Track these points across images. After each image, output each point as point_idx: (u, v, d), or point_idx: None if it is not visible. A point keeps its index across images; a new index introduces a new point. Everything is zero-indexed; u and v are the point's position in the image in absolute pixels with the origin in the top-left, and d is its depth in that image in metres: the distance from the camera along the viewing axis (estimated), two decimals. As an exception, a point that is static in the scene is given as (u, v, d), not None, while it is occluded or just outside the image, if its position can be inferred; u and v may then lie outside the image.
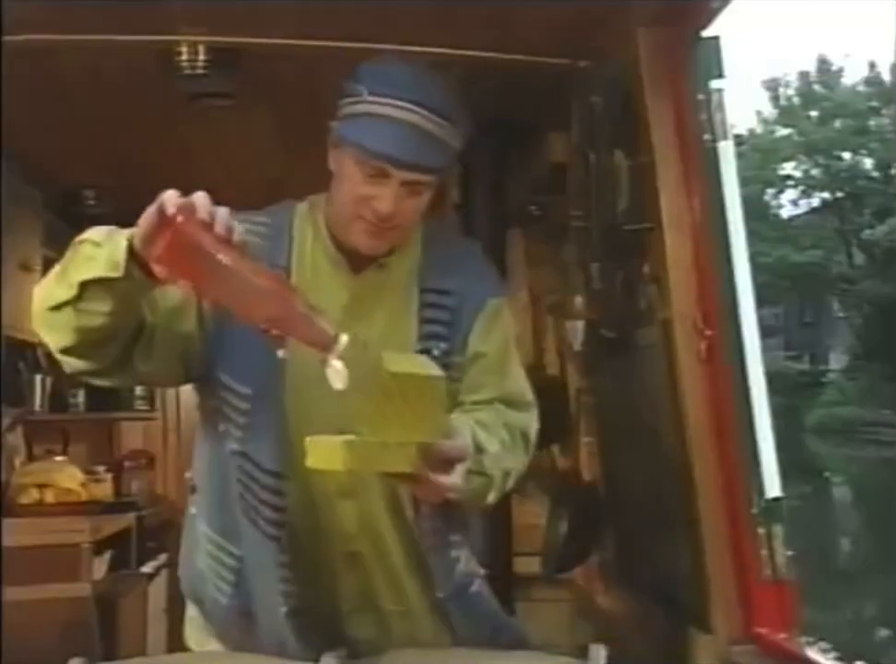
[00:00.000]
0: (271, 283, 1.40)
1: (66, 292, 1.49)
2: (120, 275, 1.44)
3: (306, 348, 1.56)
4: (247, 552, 1.77)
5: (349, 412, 1.54)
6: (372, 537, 1.76)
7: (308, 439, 1.49)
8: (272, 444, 1.71)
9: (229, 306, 1.43)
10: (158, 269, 1.40)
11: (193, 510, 1.89)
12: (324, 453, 1.46)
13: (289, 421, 1.70)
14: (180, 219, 1.35)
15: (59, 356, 1.59)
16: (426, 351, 1.71)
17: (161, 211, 1.37)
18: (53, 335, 1.56)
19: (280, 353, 1.66)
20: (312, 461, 1.48)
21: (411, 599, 1.81)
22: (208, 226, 1.36)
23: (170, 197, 1.37)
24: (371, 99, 1.65)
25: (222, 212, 1.38)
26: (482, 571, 1.91)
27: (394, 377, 1.42)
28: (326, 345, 1.40)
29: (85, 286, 1.47)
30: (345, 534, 1.75)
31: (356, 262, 1.76)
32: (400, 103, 1.63)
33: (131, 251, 1.43)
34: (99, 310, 1.49)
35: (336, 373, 1.40)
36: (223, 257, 1.36)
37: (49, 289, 1.54)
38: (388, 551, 1.77)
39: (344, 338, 1.39)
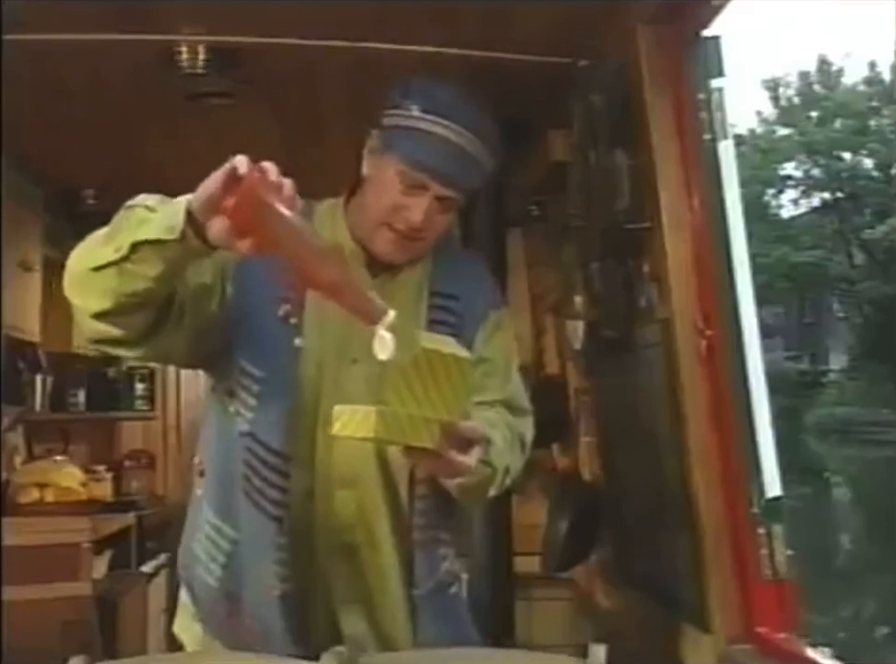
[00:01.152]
0: (331, 249, 1.43)
1: (114, 253, 1.50)
2: (176, 237, 1.45)
3: (321, 334, 1.69)
4: (244, 535, 1.79)
5: (360, 396, 1.62)
6: (368, 529, 1.79)
7: (336, 407, 1.52)
8: (280, 426, 1.75)
9: (292, 266, 1.44)
10: (217, 229, 1.41)
11: (199, 491, 1.91)
12: (353, 420, 1.50)
13: (299, 405, 1.74)
14: (256, 174, 1.39)
15: (88, 322, 1.59)
16: None
17: (232, 172, 1.39)
18: (89, 297, 1.56)
19: (297, 342, 1.73)
20: (339, 428, 1.51)
21: (394, 594, 1.82)
22: (277, 188, 1.39)
23: (242, 160, 1.40)
24: (420, 115, 1.73)
25: (288, 180, 1.41)
26: (465, 575, 1.94)
27: (426, 353, 1.47)
28: (376, 316, 1.44)
29: (136, 248, 1.48)
30: (342, 524, 1.78)
31: (374, 266, 1.81)
32: (448, 123, 1.73)
33: (188, 215, 1.44)
34: (145, 273, 1.50)
35: (384, 343, 1.43)
36: (292, 217, 1.39)
37: (92, 249, 1.55)
38: (381, 544, 1.80)
39: (392, 313, 1.44)
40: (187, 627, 1.92)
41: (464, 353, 1.54)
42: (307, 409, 1.74)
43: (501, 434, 1.76)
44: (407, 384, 1.48)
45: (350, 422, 1.50)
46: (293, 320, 1.74)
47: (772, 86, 33.21)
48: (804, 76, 32.55)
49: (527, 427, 1.90)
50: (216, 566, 1.82)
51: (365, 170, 1.80)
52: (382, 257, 1.79)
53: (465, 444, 1.57)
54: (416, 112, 1.73)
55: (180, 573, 1.95)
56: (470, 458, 1.58)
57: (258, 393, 1.75)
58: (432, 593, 1.85)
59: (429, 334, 1.57)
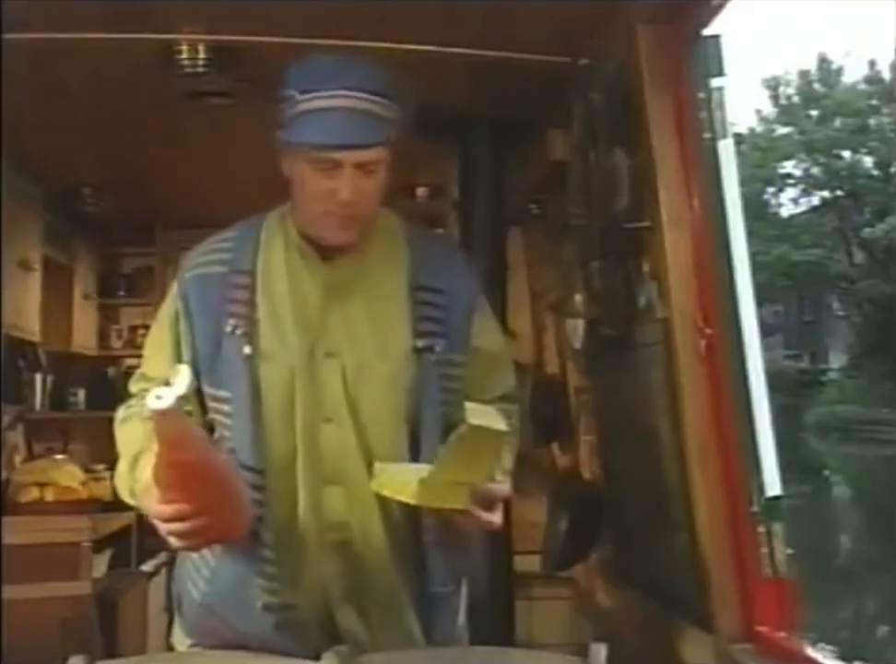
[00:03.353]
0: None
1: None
2: None
3: (285, 337, 1.76)
4: (226, 552, 1.79)
5: (336, 389, 1.74)
6: (360, 525, 1.78)
7: (377, 465, 1.68)
8: (253, 441, 1.76)
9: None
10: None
11: None
12: (394, 482, 1.66)
13: (274, 412, 1.76)
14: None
15: None
16: (428, 348, 1.79)
17: None
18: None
19: (246, 350, 1.76)
20: (379, 486, 1.68)
21: (393, 590, 1.82)
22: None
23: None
24: (302, 97, 1.71)
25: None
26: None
27: (473, 430, 1.53)
28: None
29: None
30: (332, 522, 1.77)
31: (329, 254, 1.81)
32: (329, 93, 1.70)
33: None
34: None
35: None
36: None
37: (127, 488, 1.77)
38: (375, 540, 1.79)
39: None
40: (181, 644, 1.92)
41: (505, 427, 1.59)
42: (282, 413, 1.76)
43: (508, 443, 1.76)
44: (451, 453, 1.57)
45: (391, 484, 1.66)
46: (239, 331, 1.76)
47: (772, 85, 33.21)
48: (804, 74, 32.54)
49: (517, 414, 1.93)
50: (202, 582, 1.84)
51: (285, 172, 1.80)
52: (335, 242, 1.78)
53: (493, 502, 1.65)
54: (297, 97, 1.71)
55: (172, 587, 1.97)
56: (496, 516, 1.66)
57: (228, 412, 1.78)
58: (445, 591, 1.87)
59: (475, 406, 1.60)
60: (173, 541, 1.60)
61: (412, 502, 1.61)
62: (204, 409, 1.82)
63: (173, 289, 1.86)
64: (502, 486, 1.67)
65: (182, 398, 1.47)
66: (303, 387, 1.76)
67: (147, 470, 1.65)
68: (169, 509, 1.55)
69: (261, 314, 1.78)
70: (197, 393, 1.80)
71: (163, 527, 1.58)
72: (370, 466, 1.76)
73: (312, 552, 1.77)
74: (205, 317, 1.79)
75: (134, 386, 1.87)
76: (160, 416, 1.46)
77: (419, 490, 1.59)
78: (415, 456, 1.77)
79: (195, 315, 1.79)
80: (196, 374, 1.77)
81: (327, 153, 1.70)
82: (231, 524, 1.64)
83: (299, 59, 1.78)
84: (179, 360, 1.79)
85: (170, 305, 1.85)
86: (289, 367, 1.76)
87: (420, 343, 1.79)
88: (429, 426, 1.78)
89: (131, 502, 1.76)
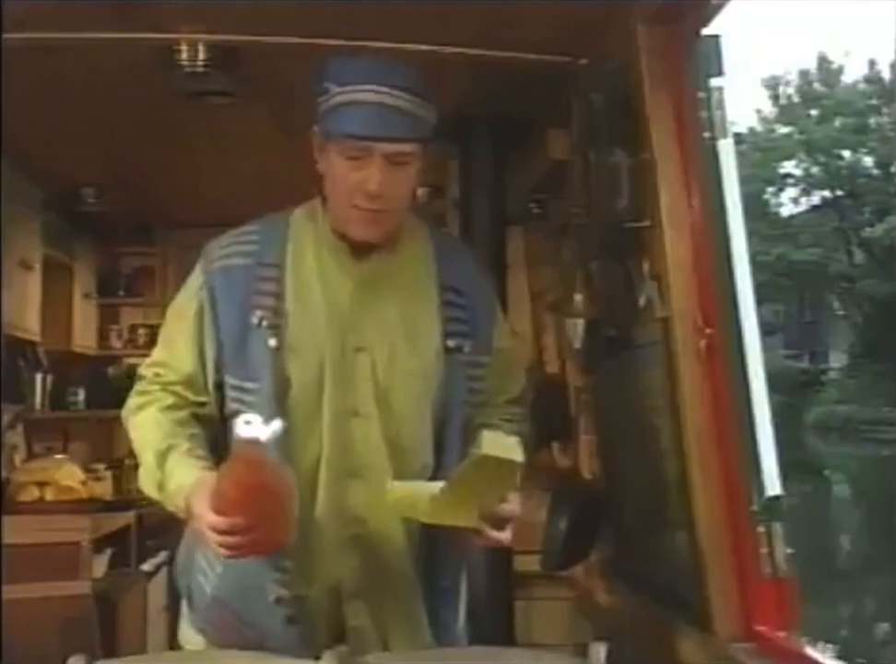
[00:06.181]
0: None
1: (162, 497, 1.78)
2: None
3: (314, 331, 1.78)
4: None
5: (367, 383, 1.77)
6: (379, 519, 1.79)
7: (390, 483, 1.71)
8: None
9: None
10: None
11: None
12: (407, 501, 1.70)
13: (299, 404, 1.77)
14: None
15: None
16: (458, 349, 1.83)
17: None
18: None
19: (272, 342, 1.77)
20: (392, 503, 1.71)
21: (407, 586, 1.83)
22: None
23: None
24: (339, 90, 1.75)
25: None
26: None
27: (484, 458, 1.56)
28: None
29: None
30: (352, 516, 1.78)
31: (360, 250, 1.83)
32: (366, 87, 1.74)
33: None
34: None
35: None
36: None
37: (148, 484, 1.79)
38: (393, 535, 1.80)
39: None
40: (188, 639, 1.93)
41: (519, 458, 1.60)
42: (308, 406, 1.77)
43: (522, 446, 1.77)
44: (462, 476, 1.61)
45: (403, 502, 1.71)
46: (265, 323, 1.78)
47: (772, 84, 33.23)
48: (804, 74, 32.55)
49: (527, 418, 1.96)
50: (213, 575, 1.84)
51: (320, 168, 1.83)
52: (359, 238, 1.81)
53: (503, 522, 1.69)
54: (335, 89, 1.75)
55: (177, 580, 1.97)
56: (507, 533, 1.70)
57: (254, 403, 1.77)
58: (450, 585, 1.89)
59: (492, 435, 1.63)
60: (221, 551, 1.63)
61: (423, 519, 1.65)
62: (222, 403, 1.84)
63: (195, 280, 1.87)
64: (511, 506, 1.69)
65: (266, 443, 1.53)
66: (332, 381, 1.78)
67: (180, 470, 1.69)
68: (222, 522, 1.57)
69: (289, 307, 1.79)
70: (218, 388, 1.82)
71: (214, 538, 1.60)
72: (394, 461, 1.78)
73: (328, 546, 1.78)
74: (230, 308, 1.80)
75: (146, 370, 1.90)
76: (245, 445, 1.50)
77: (430, 508, 1.62)
78: (438, 455, 1.80)
79: (221, 306, 1.81)
80: (219, 366, 1.81)
81: (359, 142, 1.74)
82: (280, 539, 1.65)
83: (338, 55, 1.83)
84: (201, 349, 1.82)
85: (192, 297, 1.86)
86: (318, 360, 1.78)
87: (451, 343, 1.83)
88: (453, 426, 1.81)
89: (156, 496, 1.77)
